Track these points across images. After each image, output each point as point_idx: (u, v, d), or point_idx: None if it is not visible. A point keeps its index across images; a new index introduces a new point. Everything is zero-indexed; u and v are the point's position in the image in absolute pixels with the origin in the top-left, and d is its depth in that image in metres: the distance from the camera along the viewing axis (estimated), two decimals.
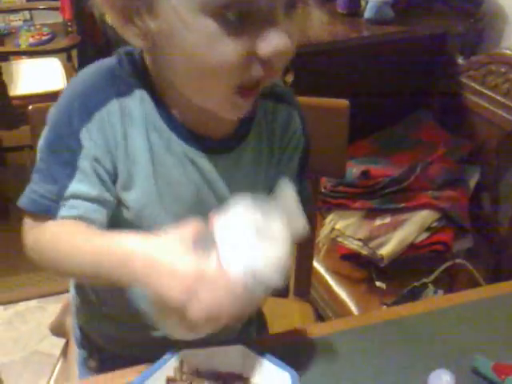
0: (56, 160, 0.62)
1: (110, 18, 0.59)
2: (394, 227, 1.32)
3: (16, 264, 1.90)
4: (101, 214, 0.62)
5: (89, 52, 2.03)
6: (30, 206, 0.62)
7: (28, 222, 0.64)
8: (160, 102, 0.63)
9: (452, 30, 1.52)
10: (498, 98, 1.37)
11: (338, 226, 1.36)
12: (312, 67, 1.33)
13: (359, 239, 1.32)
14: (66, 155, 0.61)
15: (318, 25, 1.37)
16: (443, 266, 1.31)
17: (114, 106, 0.62)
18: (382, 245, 1.30)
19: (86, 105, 0.62)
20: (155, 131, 0.63)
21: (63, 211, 0.61)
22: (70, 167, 0.61)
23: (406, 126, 1.56)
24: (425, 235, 1.32)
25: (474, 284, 1.33)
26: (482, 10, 1.50)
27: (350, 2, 1.56)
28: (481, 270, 1.33)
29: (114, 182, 0.64)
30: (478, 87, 1.43)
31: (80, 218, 0.60)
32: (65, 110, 0.63)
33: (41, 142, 0.64)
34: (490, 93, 1.40)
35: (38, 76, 2.13)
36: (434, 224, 1.33)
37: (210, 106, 0.61)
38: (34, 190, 0.62)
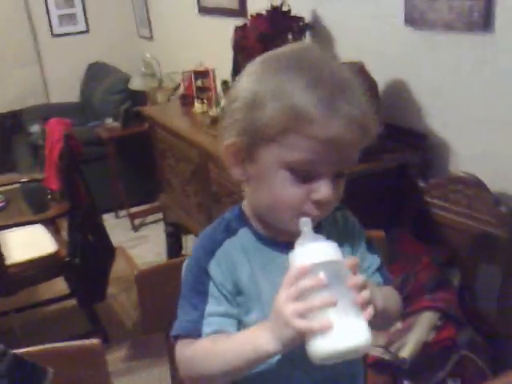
0: (193, 294, 0.84)
1: (227, 162, 0.85)
2: (407, 331, 1.51)
3: None
4: (231, 324, 0.83)
5: (76, 213, 2.17)
6: (182, 331, 0.83)
7: (179, 348, 0.84)
8: (255, 231, 0.88)
9: (408, 161, 1.85)
10: (461, 210, 1.67)
11: None
12: None
13: (380, 346, 1.49)
14: (200, 287, 0.83)
15: None
16: (453, 359, 1.50)
17: (227, 244, 0.86)
18: (401, 348, 1.48)
19: (208, 248, 0.86)
20: (257, 250, 0.86)
21: (205, 329, 0.82)
22: (203, 295, 0.83)
23: (388, 243, 1.81)
24: (433, 333, 1.52)
25: (480, 371, 1.52)
26: (428, 143, 1.86)
27: None
28: (483, 360, 1.54)
29: (236, 295, 0.84)
30: (442, 204, 1.73)
31: (217, 331, 0.81)
32: (195, 259, 0.87)
33: (182, 287, 0.86)
34: (453, 207, 1.69)
35: (26, 242, 2.21)
36: (438, 323, 1.54)
37: (283, 225, 0.84)
38: (182, 319, 0.84)
